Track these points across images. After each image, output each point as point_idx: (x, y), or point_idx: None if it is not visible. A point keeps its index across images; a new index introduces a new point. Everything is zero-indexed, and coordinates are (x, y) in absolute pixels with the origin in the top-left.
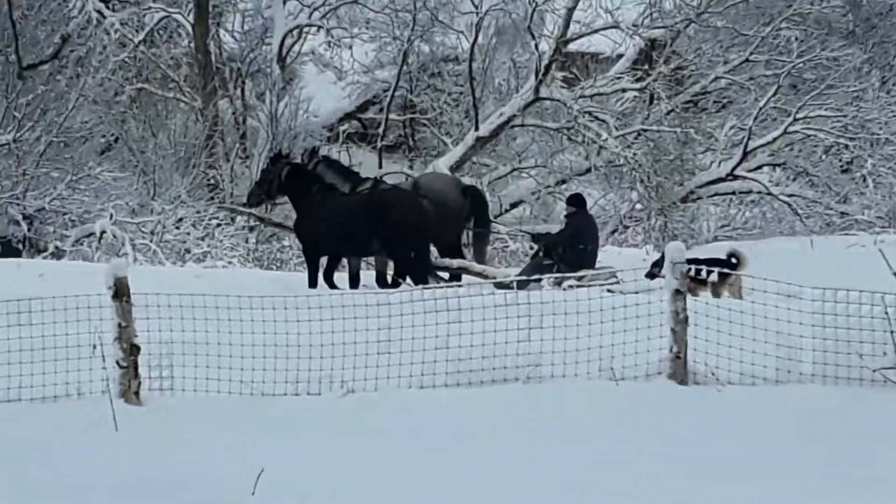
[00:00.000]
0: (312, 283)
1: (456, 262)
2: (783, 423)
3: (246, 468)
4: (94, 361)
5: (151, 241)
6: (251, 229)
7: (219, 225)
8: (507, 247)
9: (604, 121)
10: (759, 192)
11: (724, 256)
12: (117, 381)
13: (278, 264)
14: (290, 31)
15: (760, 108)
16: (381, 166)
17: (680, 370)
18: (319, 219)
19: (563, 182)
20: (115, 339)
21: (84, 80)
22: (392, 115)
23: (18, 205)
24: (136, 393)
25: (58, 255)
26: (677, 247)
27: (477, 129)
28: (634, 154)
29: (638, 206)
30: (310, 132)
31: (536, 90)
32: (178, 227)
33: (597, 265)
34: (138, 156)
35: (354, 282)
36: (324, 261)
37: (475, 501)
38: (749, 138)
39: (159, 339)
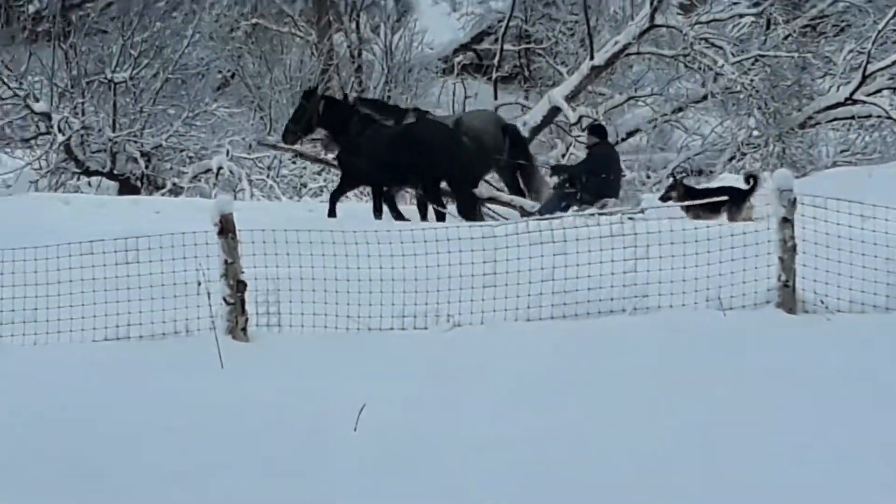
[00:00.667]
0: (377, 212)
1: (486, 192)
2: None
3: (350, 404)
4: (202, 298)
5: (268, 177)
6: None
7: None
8: None
9: (720, 47)
10: (879, 116)
11: (732, 184)
12: (224, 318)
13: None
14: None
15: (879, 31)
16: (496, 97)
17: (789, 299)
18: (359, 151)
19: (680, 110)
20: (222, 276)
21: (200, 15)
22: (507, 46)
23: (136, 142)
24: (244, 329)
25: (175, 191)
26: (784, 174)
27: (592, 57)
28: (751, 80)
29: (755, 133)
30: (425, 65)
31: (651, 17)
32: (294, 162)
33: (621, 194)
34: (254, 91)
35: (377, 212)
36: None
37: (577, 439)
38: (868, 62)
39: (266, 275)
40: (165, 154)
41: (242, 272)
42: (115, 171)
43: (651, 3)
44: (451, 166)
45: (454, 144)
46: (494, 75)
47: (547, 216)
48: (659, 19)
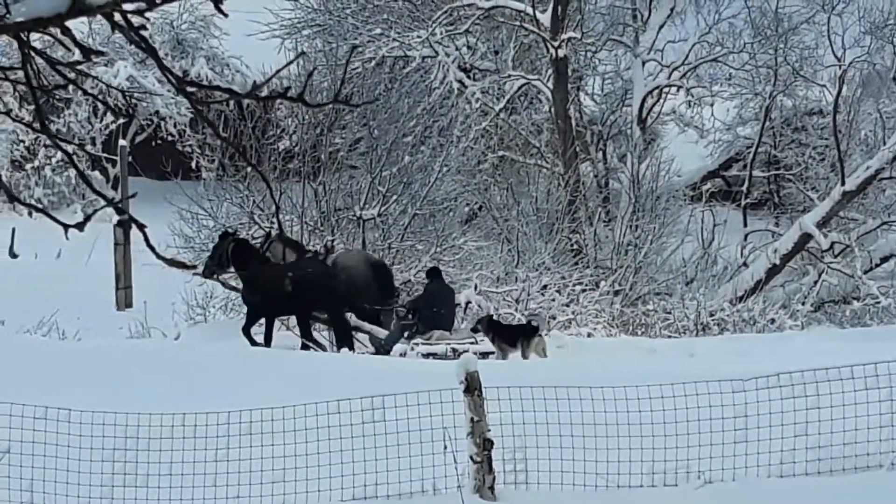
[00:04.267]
0: (249, 341)
1: (356, 324)
2: None
3: None
4: (448, 455)
5: (516, 310)
6: (616, 293)
7: (584, 290)
8: None
9: None
10: None
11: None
12: (471, 477)
13: (643, 329)
14: (650, 91)
15: None
16: (745, 224)
17: None
18: (255, 286)
19: None
20: (469, 434)
21: (447, 149)
22: (756, 172)
23: None
24: (491, 488)
25: None
26: None
27: (843, 183)
28: None
29: None
30: (672, 193)
31: None
32: (542, 294)
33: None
34: (501, 224)
35: (267, 340)
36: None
37: None
38: None
39: (512, 431)
40: (414, 290)
41: (489, 430)
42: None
43: None
44: (326, 300)
45: (329, 283)
46: (743, 202)
47: (391, 343)
48: None
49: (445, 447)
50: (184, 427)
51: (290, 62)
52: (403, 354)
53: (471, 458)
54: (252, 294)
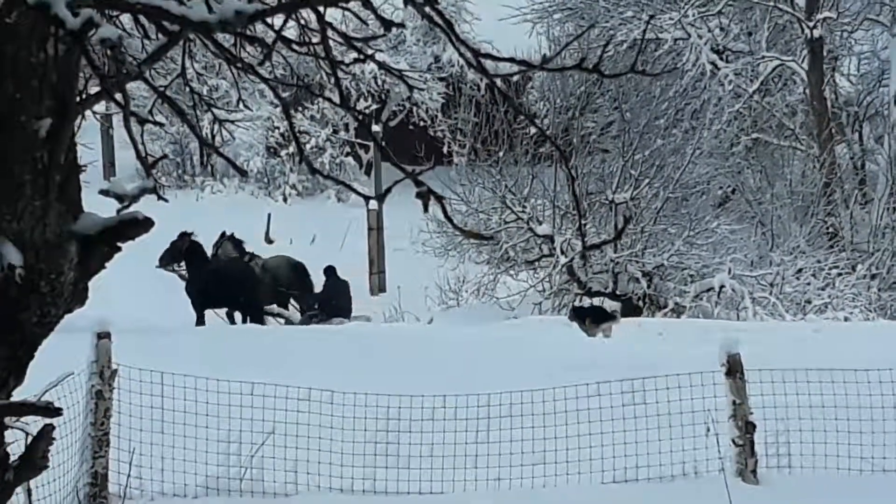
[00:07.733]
0: (198, 323)
1: (276, 310)
2: None
3: None
4: (710, 438)
5: (770, 294)
6: (873, 277)
7: (840, 274)
8: None
9: None
10: None
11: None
12: (733, 460)
13: None
14: None
15: None
16: None
17: None
18: (193, 281)
19: None
20: (730, 417)
21: (699, 132)
22: None
23: (638, 262)
24: (753, 472)
25: (677, 311)
26: None
27: None
28: None
29: None
30: None
31: None
32: (797, 278)
33: (353, 314)
34: (755, 207)
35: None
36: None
37: None
38: None
39: (774, 415)
40: (667, 273)
41: (751, 412)
42: (617, 292)
43: None
44: (245, 292)
45: (248, 277)
46: None
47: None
48: None
49: (708, 430)
50: (444, 409)
51: (581, 34)
52: None
53: (732, 441)
54: (191, 287)
